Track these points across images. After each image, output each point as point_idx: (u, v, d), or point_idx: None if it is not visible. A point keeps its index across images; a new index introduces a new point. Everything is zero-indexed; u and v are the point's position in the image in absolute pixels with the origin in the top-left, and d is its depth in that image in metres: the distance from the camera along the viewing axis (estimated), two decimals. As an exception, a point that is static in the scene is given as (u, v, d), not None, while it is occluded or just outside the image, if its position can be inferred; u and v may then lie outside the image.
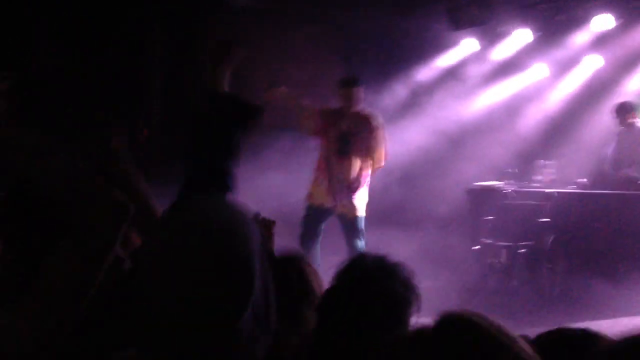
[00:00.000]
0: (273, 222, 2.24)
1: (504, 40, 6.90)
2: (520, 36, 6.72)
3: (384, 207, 6.89)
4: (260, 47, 7.08)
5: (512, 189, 5.73)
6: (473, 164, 6.45)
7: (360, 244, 4.73)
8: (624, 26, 6.14)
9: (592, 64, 6.66)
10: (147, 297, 0.86)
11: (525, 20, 6.60)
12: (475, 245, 5.46)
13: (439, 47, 7.13)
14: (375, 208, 6.47)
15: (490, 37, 6.98)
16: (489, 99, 7.05)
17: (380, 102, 6.96)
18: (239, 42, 1.51)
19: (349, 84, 4.85)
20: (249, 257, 0.88)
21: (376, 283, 1.46)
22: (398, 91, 7.09)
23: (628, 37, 6.18)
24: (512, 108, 7.03)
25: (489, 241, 5.34)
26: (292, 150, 6.59)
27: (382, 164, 4.92)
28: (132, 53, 6.35)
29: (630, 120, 5.71)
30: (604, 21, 6.12)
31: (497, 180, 6.02)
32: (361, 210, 4.81)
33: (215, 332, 0.84)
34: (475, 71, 7.14)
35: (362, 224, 4.81)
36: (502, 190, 5.73)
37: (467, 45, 7.13)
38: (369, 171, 4.87)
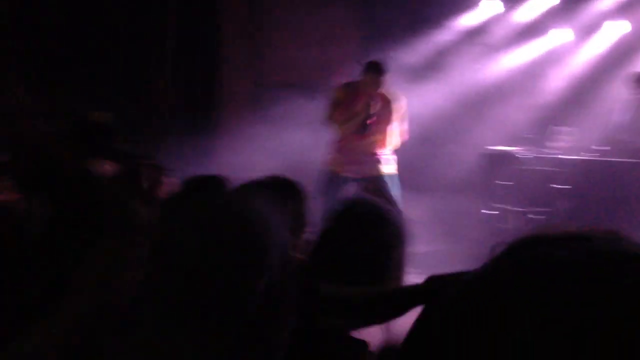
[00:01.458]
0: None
1: (528, 2, 6.72)
2: (546, -2, 6.55)
3: (399, 169, 6.86)
4: (276, 6, 7.01)
5: (528, 154, 5.65)
6: (491, 128, 6.37)
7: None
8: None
9: (617, 30, 6.47)
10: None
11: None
12: (488, 210, 5.42)
13: (462, 7, 6.97)
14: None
15: (514, -1, 6.80)
16: (510, 62, 6.91)
17: (400, 63, 6.86)
18: None
19: (378, 71, 4.82)
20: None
21: (363, 227, 1.49)
22: (418, 52, 6.97)
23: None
24: (534, 72, 6.88)
25: (501, 206, 5.30)
26: (303, 106, 6.58)
27: (402, 140, 5.07)
28: (144, 10, 6.30)
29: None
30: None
31: (513, 145, 5.94)
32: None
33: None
34: (497, 33, 6.98)
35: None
36: (517, 156, 5.66)
37: (490, 6, 6.96)
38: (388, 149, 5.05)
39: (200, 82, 6.71)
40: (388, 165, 5.07)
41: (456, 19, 7.04)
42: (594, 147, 5.68)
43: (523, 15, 6.84)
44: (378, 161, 4.98)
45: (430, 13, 6.94)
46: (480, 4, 6.93)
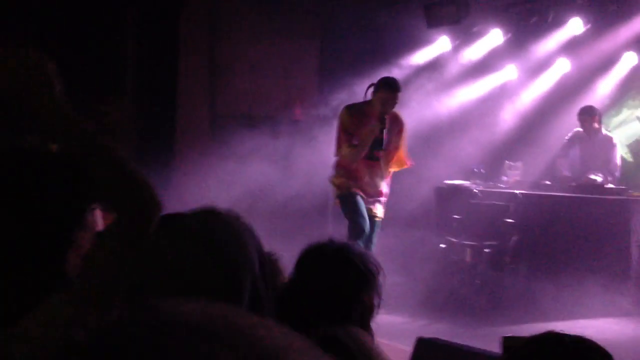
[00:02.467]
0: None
1: (478, 40, 6.99)
2: (493, 37, 6.82)
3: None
4: (237, 33, 7.07)
5: (479, 188, 5.82)
6: (444, 162, 6.54)
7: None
8: (593, 31, 6.27)
9: (561, 68, 6.79)
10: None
11: (499, 21, 6.70)
12: (442, 244, 5.55)
13: (415, 43, 7.18)
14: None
15: (465, 37, 7.06)
16: (461, 98, 7.14)
17: (354, 97, 6.99)
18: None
19: (396, 88, 4.48)
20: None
21: (330, 270, 1.48)
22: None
23: (596, 42, 6.31)
24: (484, 108, 7.13)
25: (454, 240, 5.44)
26: (262, 137, 6.64)
27: (409, 163, 4.76)
28: (103, 42, 6.27)
29: (595, 126, 5.83)
30: (573, 25, 6.26)
31: (465, 179, 6.11)
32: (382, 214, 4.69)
33: None
34: (449, 70, 7.22)
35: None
36: (469, 190, 5.82)
37: (442, 43, 7.20)
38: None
39: (158, 113, 6.69)
40: (383, 209, 4.70)
41: (411, 54, 7.25)
42: (540, 181, 5.92)
43: (472, 53, 7.11)
44: (380, 202, 4.63)
45: (387, 47, 7.13)
46: (432, 40, 7.16)
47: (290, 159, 6.81)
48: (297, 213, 6.54)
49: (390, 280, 5.02)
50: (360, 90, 7.04)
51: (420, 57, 7.24)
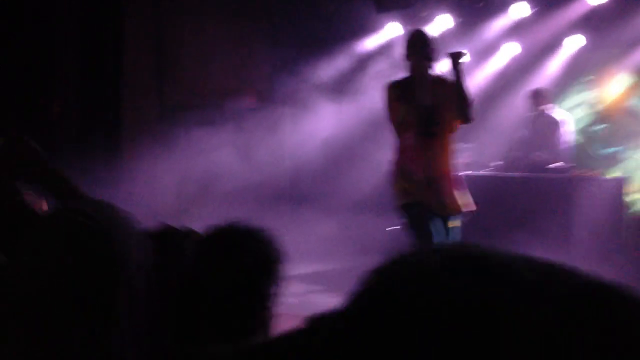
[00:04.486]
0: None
1: (427, 25, 7.01)
2: (442, 22, 6.85)
3: (305, 188, 6.93)
4: (184, 19, 6.97)
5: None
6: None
7: None
8: (539, 14, 6.35)
9: (510, 51, 6.86)
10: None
11: (447, 5, 6.74)
12: (394, 226, 5.57)
13: (365, 29, 7.19)
14: (296, 188, 6.43)
15: (414, 22, 7.07)
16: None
17: (305, 83, 6.97)
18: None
19: (423, 40, 3.63)
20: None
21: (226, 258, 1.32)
22: (323, 73, 7.12)
23: (542, 26, 6.40)
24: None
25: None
26: (212, 128, 6.58)
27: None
28: (44, 30, 6.12)
29: (541, 107, 5.93)
30: (520, 9, 6.32)
31: (417, 163, 6.13)
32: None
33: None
34: (400, 55, 7.24)
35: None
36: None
37: (392, 28, 7.21)
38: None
39: (103, 106, 6.56)
40: (466, 195, 3.66)
41: (361, 40, 7.26)
42: (491, 163, 5.99)
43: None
44: (452, 188, 3.62)
45: (337, 32, 7.12)
46: (382, 26, 7.18)
47: (246, 147, 6.77)
48: (253, 200, 6.51)
49: (345, 264, 5.01)
50: (311, 75, 7.05)
51: (370, 42, 7.26)
